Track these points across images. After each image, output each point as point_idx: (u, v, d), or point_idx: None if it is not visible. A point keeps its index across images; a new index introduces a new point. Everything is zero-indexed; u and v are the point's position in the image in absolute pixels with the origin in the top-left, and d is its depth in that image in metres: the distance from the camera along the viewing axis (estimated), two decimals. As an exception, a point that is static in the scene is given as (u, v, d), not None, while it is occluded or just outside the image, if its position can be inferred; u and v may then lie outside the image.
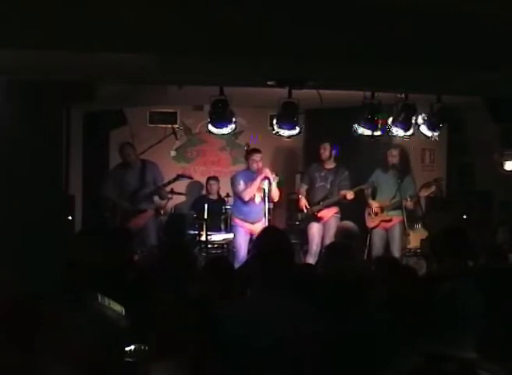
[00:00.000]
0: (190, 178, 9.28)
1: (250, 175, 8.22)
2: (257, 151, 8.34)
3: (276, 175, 8.29)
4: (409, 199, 8.37)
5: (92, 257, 4.87)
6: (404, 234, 8.50)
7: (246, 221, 8.24)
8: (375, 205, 8.58)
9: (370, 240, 8.54)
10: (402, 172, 8.54)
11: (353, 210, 8.70)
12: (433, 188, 8.59)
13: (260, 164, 8.20)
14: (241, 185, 8.24)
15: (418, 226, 9.00)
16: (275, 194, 8.24)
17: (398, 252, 8.36)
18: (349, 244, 5.43)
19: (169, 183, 8.49)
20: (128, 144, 8.57)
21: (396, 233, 8.49)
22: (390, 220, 8.53)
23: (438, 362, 1.72)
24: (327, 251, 5.39)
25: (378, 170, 8.70)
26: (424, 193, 8.62)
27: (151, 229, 8.40)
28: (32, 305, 3.02)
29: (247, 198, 8.20)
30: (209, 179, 9.55)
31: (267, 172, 8.17)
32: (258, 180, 8.14)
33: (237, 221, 8.33)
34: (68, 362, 2.71)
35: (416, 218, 8.96)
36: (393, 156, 8.57)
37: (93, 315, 3.14)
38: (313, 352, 3.26)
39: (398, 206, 8.40)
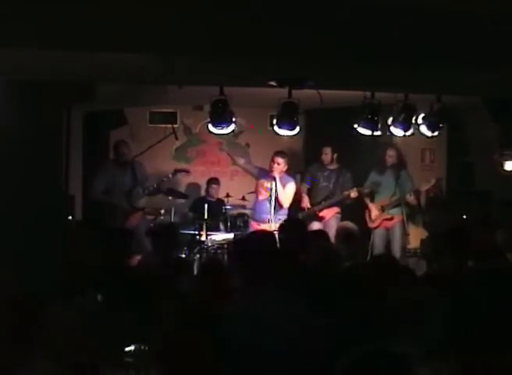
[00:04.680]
0: (187, 172, 9.30)
1: (264, 172, 8.30)
2: (281, 153, 8.29)
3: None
4: (410, 195, 8.41)
5: (91, 257, 4.87)
6: (405, 234, 8.52)
7: (256, 221, 8.25)
8: (374, 211, 8.59)
9: (372, 240, 8.56)
10: (397, 169, 8.59)
11: (355, 210, 8.71)
12: (433, 181, 8.64)
13: (278, 167, 8.14)
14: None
15: (419, 221, 9.02)
16: (285, 199, 8.19)
17: (399, 252, 8.37)
18: (330, 246, 5.45)
19: (168, 178, 8.53)
20: (124, 142, 8.57)
21: (397, 232, 8.52)
22: (392, 218, 8.56)
23: (374, 358, 1.71)
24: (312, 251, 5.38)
25: (373, 173, 8.73)
26: (424, 187, 8.66)
27: (142, 230, 8.41)
28: (31, 305, 3.03)
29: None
30: (211, 182, 9.52)
31: (275, 175, 8.13)
32: (265, 178, 8.18)
33: (253, 224, 8.38)
34: (67, 362, 2.71)
35: (416, 213, 8.98)
36: (390, 157, 8.61)
37: (92, 315, 3.14)
38: (310, 350, 3.26)
39: (398, 204, 8.45)
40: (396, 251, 8.39)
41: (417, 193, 8.62)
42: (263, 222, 8.12)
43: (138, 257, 6.90)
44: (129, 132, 9.19)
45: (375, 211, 8.58)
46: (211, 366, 2.82)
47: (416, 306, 3.47)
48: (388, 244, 8.58)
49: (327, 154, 8.60)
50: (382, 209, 8.59)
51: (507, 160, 8.75)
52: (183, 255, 7.84)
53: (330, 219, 8.51)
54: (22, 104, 5.64)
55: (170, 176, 8.59)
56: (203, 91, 6.78)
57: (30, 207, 5.61)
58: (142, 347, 3.37)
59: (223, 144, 8.67)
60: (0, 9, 4.27)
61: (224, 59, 4.93)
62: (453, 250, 4.77)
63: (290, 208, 8.45)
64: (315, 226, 8.50)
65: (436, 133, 7.43)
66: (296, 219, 8.01)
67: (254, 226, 8.25)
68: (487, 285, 3.76)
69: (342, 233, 6.35)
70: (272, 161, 8.23)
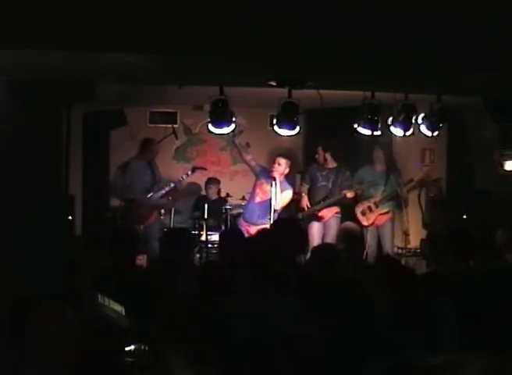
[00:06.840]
0: (205, 169, 9.37)
1: (266, 173, 8.31)
2: (284, 155, 8.33)
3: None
4: (400, 189, 8.50)
5: (94, 257, 4.87)
6: (405, 234, 8.55)
7: (246, 222, 8.28)
8: (368, 202, 8.63)
9: (366, 239, 8.60)
10: (388, 169, 8.73)
11: (353, 210, 8.71)
12: (424, 171, 8.77)
13: (279, 168, 8.14)
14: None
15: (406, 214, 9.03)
16: (278, 202, 8.13)
17: (390, 249, 8.41)
18: (335, 247, 5.44)
19: (187, 175, 8.61)
20: (152, 139, 8.73)
21: (387, 229, 8.59)
22: (387, 212, 8.61)
23: (404, 367, 1.71)
24: (312, 254, 5.37)
25: (365, 169, 8.79)
26: (417, 177, 8.76)
27: (155, 230, 8.46)
28: (31, 305, 3.02)
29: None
30: (209, 182, 9.55)
31: (275, 175, 8.14)
32: (265, 178, 8.19)
33: (243, 223, 8.37)
34: (67, 361, 2.71)
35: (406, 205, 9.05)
36: (378, 157, 8.72)
37: (92, 315, 3.14)
38: (309, 353, 3.26)
39: (391, 198, 8.58)
40: (388, 248, 8.44)
41: (408, 183, 8.72)
42: (253, 223, 8.15)
43: (141, 257, 6.89)
44: (129, 132, 9.19)
45: (370, 201, 8.62)
46: (211, 367, 2.82)
47: (419, 309, 3.46)
48: (379, 241, 8.63)
49: (319, 154, 8.64)
50: (376, 205, 8.63)
51: (507, 160, 8.77)
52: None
53: (330, 220, 8.51)
54: (22, 104, 5.63)
55: (189, 173, 8.67)
56: (203, 91, 6.78)
57: (29, 207, 5.61)
58: (142, 347, 3.37)
59: (226, 143, 8.71)
60: (0, 9, 4.27)
61: (224, 59, 4.92)
62: (452, 250, 4.77)
63: (285, 210, 8.46)
64: (315, 226, 8.52)
65: (436, 133, 7.43)
66: (290, 218, 8.01)
67: (244, 225, 8.25)
68: (487, 285, 3.77)
69: (344, 234, 6.33)
70: (274, 162, 8.25)
